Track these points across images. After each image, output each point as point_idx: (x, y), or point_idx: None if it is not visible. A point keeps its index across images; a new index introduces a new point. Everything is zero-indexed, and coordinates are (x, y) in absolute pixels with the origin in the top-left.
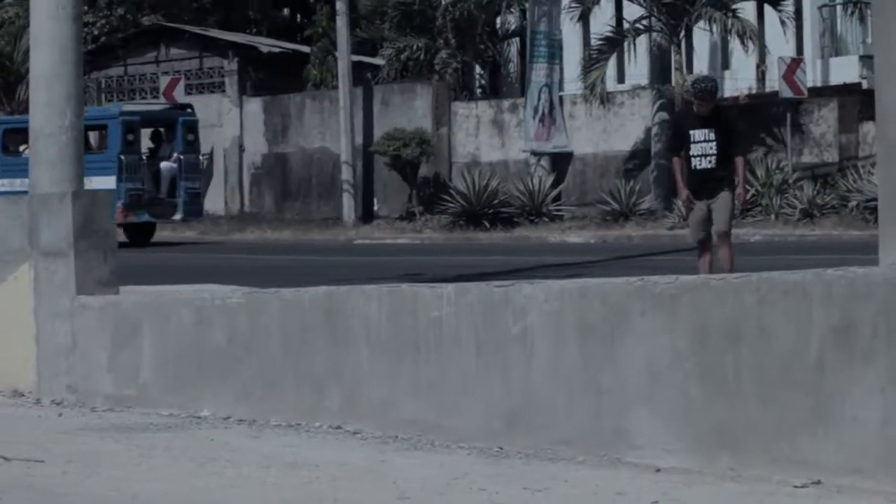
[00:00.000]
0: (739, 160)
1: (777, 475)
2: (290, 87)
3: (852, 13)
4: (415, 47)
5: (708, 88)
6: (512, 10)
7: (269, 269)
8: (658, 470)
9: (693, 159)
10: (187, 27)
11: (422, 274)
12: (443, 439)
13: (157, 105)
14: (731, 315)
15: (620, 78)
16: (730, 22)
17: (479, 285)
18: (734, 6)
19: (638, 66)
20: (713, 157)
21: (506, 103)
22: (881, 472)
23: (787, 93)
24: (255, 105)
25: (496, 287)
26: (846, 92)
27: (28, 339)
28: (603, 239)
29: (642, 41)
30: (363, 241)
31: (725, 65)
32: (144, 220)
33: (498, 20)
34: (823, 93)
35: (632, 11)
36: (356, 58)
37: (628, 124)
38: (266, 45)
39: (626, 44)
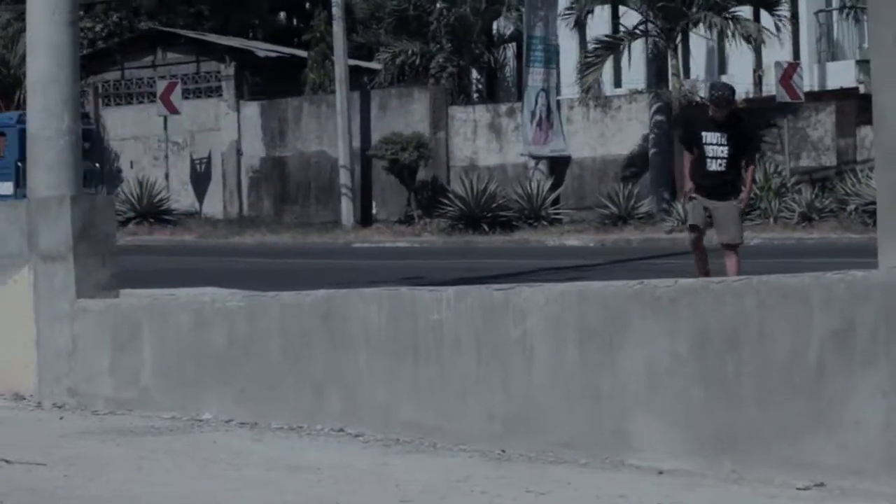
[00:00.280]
0: (752, 168)
1: (779, 477)
2: (287, 92)
3: (848, 17)
4: (410, 52)
5: (724, 97)
6: (508, 15)
7: (268, 272)
8: (660, 472)
9: (707, 160)
10: (184, 32)
11: (421, 277)
12: (444, 442)
13: None
14: (731, 318)
15: (617, 82)
16: (730, 24)
17: (479, 288)
18: (732, 10)
19: (635, 70)
20: (723, 161)
21: (503, 107)
22: (884, 474)
23: (784, 97)
24: (252, 109)
25: (496, 290)
26: (843, 96)
27: (28, 342)
28: (602, 242)
29: (639, 46)
30: (362, 244)
31: (722, 69)
32: None
33: (494, 25)
34: (821, 97)
35: (629, 17)
36: (353, 62)
37: (626, 128)
38: (263, 49)
39: (622, 48)
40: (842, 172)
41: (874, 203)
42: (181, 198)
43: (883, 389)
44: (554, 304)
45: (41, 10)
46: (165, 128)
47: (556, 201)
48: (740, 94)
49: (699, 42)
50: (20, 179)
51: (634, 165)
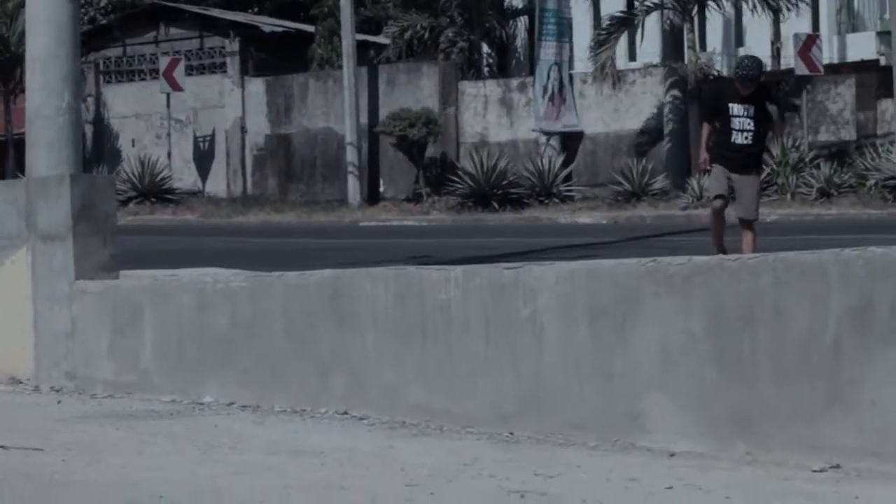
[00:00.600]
0: (781, 125)
1: (794, 459)
2: (294, 68)
3: None
4: (419, 26)
5: (750, 76)
6: None
7: (273, 252)
8: (672, 455)
9: (733, 132)
10: (187, 6)
11: (429, 256)
12: (451, 425)
13: None
14: (747, 296)
15: (632, 56)
16: None
17: (488, 267)
18: None
19: (650, 43)
20: (750, 134)
21: (514, 82)
22: None
23: (802, 70)
24: (257, 85)
25: (505, 269)
26: (863, 69)
27: (26, 325)
28: (614, 220)
29: (654, 18)
30: (369, 222)
31: (739, 42)
32: None
33: None
34: (840, 70)
35: None
36: (360, 37)
37: (640, 103)
38: (268, 24)
39: (637, 22)
40: (861, 146)
41: (895, 178)
42: (184, 176)
43: None
44: (565, 283)
45: None
46: (168, 105)
47: (568, 178)
48: None
49: (715, 14)
50: None
51: (649, 141)
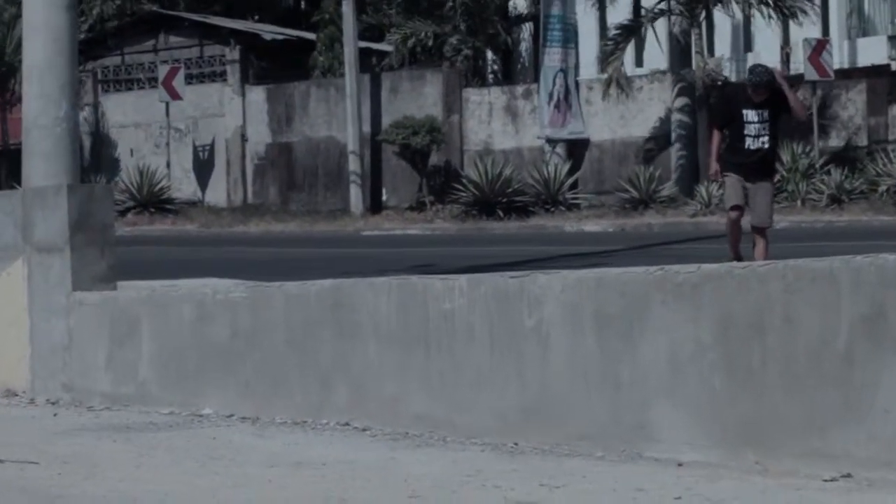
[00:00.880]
0: (799, 106)
1: (805, 469)
2: (295, 76)
3: None
4: (422, 33)
5: (763, 82)
6: None
7: (274, 261)
8: (680, 464)
9: (747, 139)
10: (187, 14)
11: (433, 265)
12: (455, 436)
13: None
14: (757, 304)
15: (639, 62)
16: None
17: (493, 276)
18: None
19: (657, 49)
20: (766, 138)
21: (519, 89)
22: None
23: (813, 75)
24: (257, 94)
25: (510, 278)
26: (874, 73)
27: (22, 336)
28: (622, 228)
29: (661, 24)
30: (372, 232)
31: (748, 47)
32: None
33: (510, 3)
34: (851, 75)
35: None
36: (363, 44)
37: (647, 109)
38: (269, 32)
39: (644, 29)
40: (873, 152)
41: None
42: (183, 186)
43: None
44: (571, 292)
45: None
46: (167, 114)
47: (574, 185)
48: None
49: (724, 19)
50: None
51: (656, 148)
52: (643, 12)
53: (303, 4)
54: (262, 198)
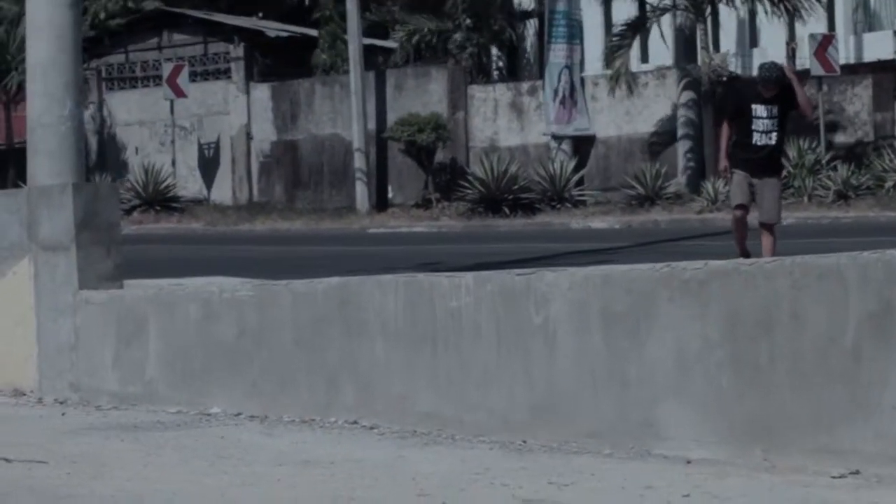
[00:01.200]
0: (807, 103)
1: (813, 466)
2: (299, 73)
3: None
4: (427, 30)
5: (773, 78)
6: None
7: (280, 260)
8: (688, 462)
9: (755, 134)
10: (191, 12)
11: (439, 263)
12: (463, 434)
13: None
14: (764, 301)
15: (644, 58)
16: None
17: (500, 274)
18: None
19: (662, 45)
20: (774, 134)
21: (524, 86)
22: None
23: (818, 71)
24: (262, 91)
25: (517, 275)
26: (880, 69)
27: (29, 336)
28: (628, 224)
29: (667, 20)
30: (378, 229)
31: (754, 42)
32: None
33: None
34: (857, 70)
35: None
36: (367, 41)
37: (653, 105)
38: (273, 29)
39: (649, 26)
40: (879, 148)
41: None
42: (188, 184)
43: None
44: (578, 289)
45: None
46: (172, 112)
47: (580, 182)
48: None
49: (729, 14)
50: None
51: (662, 144)
52: (648, 8)
53: (306, 1)
54: (267, 196)
